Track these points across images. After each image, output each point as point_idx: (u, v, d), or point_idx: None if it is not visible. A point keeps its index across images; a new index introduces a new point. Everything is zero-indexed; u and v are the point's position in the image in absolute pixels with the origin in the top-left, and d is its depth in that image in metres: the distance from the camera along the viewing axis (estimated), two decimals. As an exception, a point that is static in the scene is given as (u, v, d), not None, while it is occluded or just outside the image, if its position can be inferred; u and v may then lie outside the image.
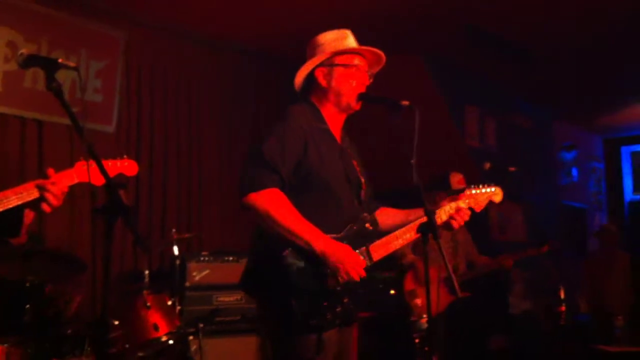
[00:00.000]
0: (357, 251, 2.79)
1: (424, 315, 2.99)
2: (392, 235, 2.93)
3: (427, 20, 6.01)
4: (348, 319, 2.81)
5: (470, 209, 3.10)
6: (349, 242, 2.79)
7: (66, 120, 5.45)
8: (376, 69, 3.11)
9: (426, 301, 2.83)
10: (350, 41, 3.02)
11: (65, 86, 5.46)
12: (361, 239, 2.86)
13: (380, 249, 2.89)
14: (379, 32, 6.08)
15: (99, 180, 2.06)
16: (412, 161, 2.81)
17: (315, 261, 2.68)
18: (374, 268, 2.86)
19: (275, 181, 2.72)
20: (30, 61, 2.15)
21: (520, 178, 6.58)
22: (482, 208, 3.17)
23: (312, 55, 3.00)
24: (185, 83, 6.52)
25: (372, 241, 2.89)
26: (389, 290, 5.84)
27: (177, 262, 4.83)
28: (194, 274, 5.25)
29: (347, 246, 2.73)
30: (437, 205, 3.10)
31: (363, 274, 2.71)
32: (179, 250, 4.87)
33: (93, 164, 2.39)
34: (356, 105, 3.00)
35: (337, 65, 2.97)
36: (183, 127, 6.50)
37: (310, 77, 3.02)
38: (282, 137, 2.80)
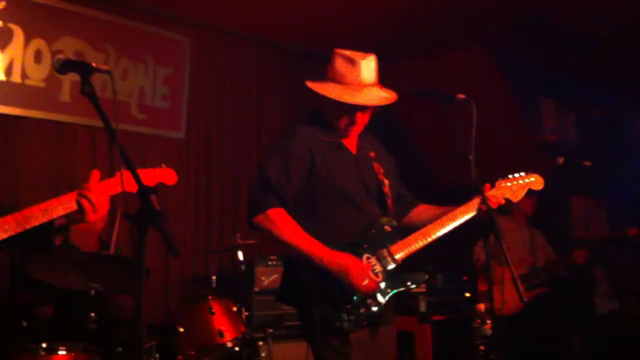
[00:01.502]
0: (378, 253, 2.82)
1: (488, 321, 2.87)
2: (415, 233, 2.90)
3: (493, 10, 5.77)
4: (376, 319, 2.82)
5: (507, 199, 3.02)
6: (369, 245, 2.82)
7: (135, 128, 5.66)
8: (391, 102, 2.96)
9: (491, 304, 2.71)
10: (362, 72, 2.88)
11: (134, 95, 5.65)
12: (381, 240, 2.86)
13: (403, 248, 2.87)
14: (443, 26, 5.94)
15: (134, 188, 2.01)
16: (470, 157, 2.71)
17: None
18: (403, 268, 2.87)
19: (277, 201, 2.77)
20: (66, 66, 2.12)
21: (600, 173, 6.26)
22: (519, 198, 3.08)
23: (327, 69, 2.95)
24: (252, 86, 6.52)
25: (394, 242, 2.87)
26: (464, 293, 5.66)
27: (243, 267, 4.80)
28: (262, 278, 5.21)
29: (349, 255, 2.73)
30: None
31: (370, 282, 2.71)
32: (244, 255, 4.83)
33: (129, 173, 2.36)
34: (349, 136, 2.97)
35: (334, 100, 2.86)
36: (252, 131, 6.50)
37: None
38: (285, 156, 2.84)
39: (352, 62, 2.88)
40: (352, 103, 2.83)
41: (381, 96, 2.89)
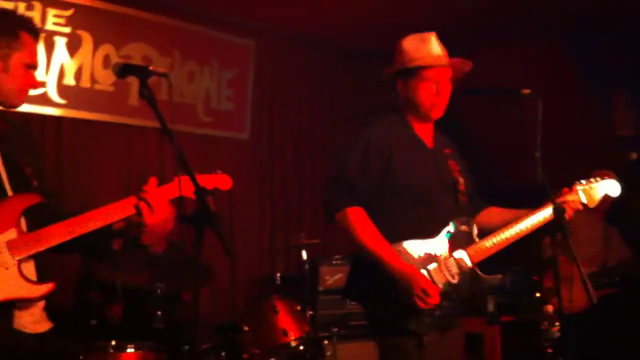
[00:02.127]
0: (454, 254, 2.76)
1: (556, 323, 2.78)
2: (492, 236, 2.83)
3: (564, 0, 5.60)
4: (449, 323, 2.79)
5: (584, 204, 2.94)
6: (445, 246, 2.77)
7: (202, 130, 5.75)
8: (466, 69, 2.94)
9: (559, 303, 2.63)
10: (432, 47, 2.87)
11: (200, 98, 5.74)
12: (459, 241, 2.79)
13: (479, 251, 2.80)
14: (508, 17, 5.80)
15: (190, 192, 2.05)
16: (537, 154, 2.63)
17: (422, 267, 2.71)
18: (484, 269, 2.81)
19: (355, 199, 2.75)
20: (124, 70, 2.17)
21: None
22: (596, 203, 3.00)
23: (395, 60, 2.91)
24: (315, 88, 6.53)
25: (470, 243, 2.80)
26: (534, 293, 5.51)
27: (306, 267, 4.81)
28: (327, 278, 5.22)
29: (417, 272, 2.67)
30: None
31: (433, 301, 2.64)
32: (308, 254, 4.84)
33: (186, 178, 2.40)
34: (437, 115, 2.89)
35: (414, 76, 2.84)
36: (316, 131, 6.52)
37: (394, 83, 2.94)
38: (363, 151, 2.80)
39: (421, 39, 2.86)
40: (437, 64, 2.80)
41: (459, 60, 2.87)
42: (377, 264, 2.67)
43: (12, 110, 2.46)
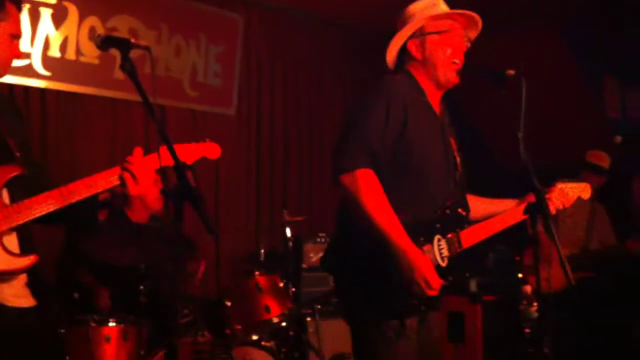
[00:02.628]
0: (447, 237, 2.66)
1: (534, 303, 2.78)
2: (487, 221, 2.80)
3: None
4: (433, 304, 2.67)
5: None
6: (441, 225, 2.65)
7: (188, 105, 5.72)
8: (474, 34, 2.86)
9: (537, 284, 2.63)
10: (442, 7, 2.81)
11: (186, 72, 5.70)
12: (454, 224, 2.70)
13: (471, 236, 2.73)
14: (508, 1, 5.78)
15: (170, 162, 2.05)
16: (519, 135, 2.59)
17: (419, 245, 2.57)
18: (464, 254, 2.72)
19: (368, 161, 2.56)
20: (106, 42, 2.15)
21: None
22: (570, 204, 3.00)
23: (403, 27, 2.80)
24: (304, 63, 6.49)
25: (464, 227, 2.73)
26: (516, 273, 5.55)
27: (290, 243, 4.82)
28: (311, 255, 5.23)
29: (425, 258, 2.52)
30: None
31: (434, 290, 2.51)
32: (292, 232, 4.85)
33: (179, 148, 2.39)
34: (454, 78, 2.78)
35: (430, 33, 2.76)
36: (303, 108, 6.50)
37: (403, 51, 2.84)
38: (384, 109, 2.62)
39: (431, 2, 2.78)
40: (450, 10, 2.73)
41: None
42: (380, 237, 2.49)
43: None
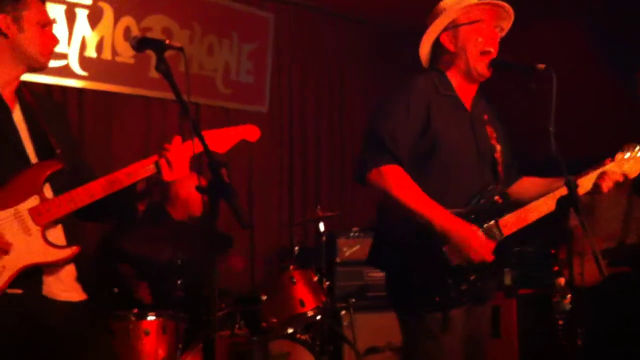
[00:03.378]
0: (485, 226, 2.65)
1: (568, 295, 2.77)
2: (525, 207, 2.73)
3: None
4: (477, 297, 2.68)
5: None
6: (476, 216, 2.65)
7: (221, 103, 5.79)
8: (506, 24, 2.88)
9: (570, 277, 2.62)
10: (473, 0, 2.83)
11: (219, 70, 5.77)
12: (490, 212, 2.69)
13: (511, 223, 2.70)
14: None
15: (220, 148, 2.12)
16: (550, 129, 2.58)
17: (439, 238, 2.58)
18: (510, 243, 2.70)
19: (395, 157, 2.62)
20: (141, 43, 2.21)
21: None
22: (636, 174, 2.88)
23: (434, 23, 2.83)
24: (335, 61, 6.53)
25: (503, 215, 2.70)
26: (552, 267, 5.51)
27: (323, 238, 4.87)
28: (344, 249, 5.28)
29: (473, 226, 2.57)
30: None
31: (489, 257, 2.56)
32: (325, 227, 4.89)
33: (218, 133, 2.46)
34: (485, 71, 2.79)
35: (462, 24, 2.78)
36: (335, 103, 6.53)
37: (436, 47, 2.87)
38: (403, 108, 2.67)
39: None
40: (489, 1, 2.73)
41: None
42: (423, 224, 2.54)
43: (39, 72, 2.54)
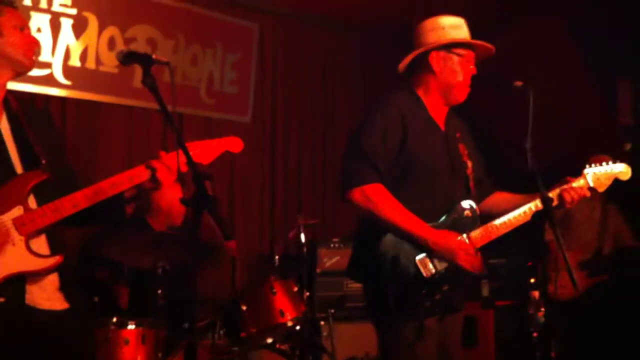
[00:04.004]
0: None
1: (542, 308, 2.86)
2: (494, 222, 2.86)
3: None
4: (449, 307, 2.80)
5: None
6: (448, 230, 2.77)
7: (204, 113, 5.83)
8: (489, 55, 3.00)
9: (543, 292, 2.71)
10: (465, 31, 2.94)
11: (203, 81, 5.80)
12: (461, 227, 2.81)
13: (481, 237, 2.83)
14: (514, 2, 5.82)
15: (204, 159, 2.15)
16: (527, 146, 2.68)
17: (419, 250, 2.70)
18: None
19: (376, 175, 2.73)
20: (128, 58, 2.25)
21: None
22: (605, 187, 3.02)
23: (428, 36, 2.91)
24: (319, 71, 6.58)
25: (473, 228, 2.82)
26: (528, 279, 5.59)
27: (304, 249, 4.91)
28: (325, 260, 5.31)
29: (454, 235, 2.71)
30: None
31: (477, 263, 2.70)
32: (306, 236, 4.94)
33: (202, 145, 2.50)
34: (463, 99, 2.92)
35: (455, 54, 2.88)
36: (318, 113, 6.57)
37: (419, 60, 2.94)
38: (382, 127, 2.78)
39: (458, 22, 2.91)
40: (479, 42, 2.85)
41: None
42: (410, 240, 2.66)
43: (23, 81, 2.55)
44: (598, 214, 5.15)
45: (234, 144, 2.65)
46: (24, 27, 2.51)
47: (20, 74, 2.55)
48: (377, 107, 2.87)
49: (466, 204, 2.86)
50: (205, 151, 2.55)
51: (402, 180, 2.78)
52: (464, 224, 2.81)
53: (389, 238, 2.70)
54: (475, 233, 2.82)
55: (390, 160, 2.76)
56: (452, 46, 2.87)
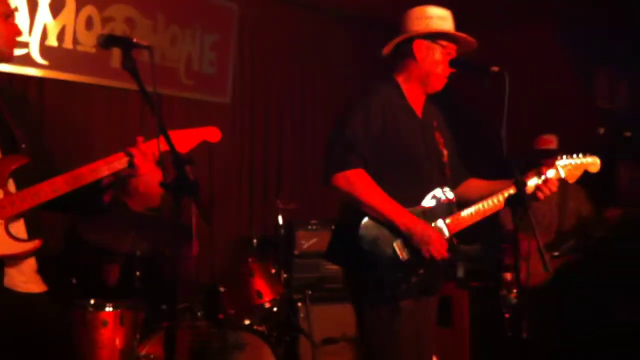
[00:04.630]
0: (433, 225, 2.86)
1: (514, 290, 2.95)
2: (471, 207, 2.95)
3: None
4: (425, 289, 2.89)
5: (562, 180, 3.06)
6: (425, 215, 2.86)
7: (183, 94, 5.80)
8: (470, 49, 3.06)
9: (516, 275, 2.77)
10: (451, 24, 2.99)
11: (182, 61, 5.77)
12: (438, 213, 2.90)
13: (458, 222, 2.92)
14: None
15: (181, 148, 2.17)
16: (502, 133, 2.71)
17: (397, 234, 2.79)
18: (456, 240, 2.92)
19: (358, 161, 2.79)
20: (108, 41, 2.25)
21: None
22: (576, 179, 3.13)
23: (414, 24, 2.95)
24: (299, 52, 6.56)
25: (450, 214, 2.91)
26: (502, 261, 5.66)
27: (282, 231, 4.94)
28: (302, 242, 5.36)
29: (431, 227, 2.80)
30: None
31: (445, 255, 2.79)
32: (285, 219, 4.97)
33: (180, 134, 2.51)
34: (439, 86, 2.99)
35: (438, 45, 2.93)
36: (297, 96, 6.57)
37: (402, 46, 2.99)
38: (364, 115, 2.84)
39: (446, 14, 2.97)
40: (465, 35, 2.90)
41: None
42: (390, 224, 2.75)
43: (3, 62, 2.54)
44: (556, 196, 5.19)
45: (212, 134, 2.67)
46: (9, 15, 2.49)
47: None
48: (360, 96, 2.94)
49: (443, 190, 2.94)
50: (183, 140, 2.57)
51: (383, 167, 2.85)
52: (441, 210, 2.91)
53: (369, 222, 2.78)
54: (451, 219, 2.91)
55: (371, 147, 2.82)
56: (437, 37, 2.93)
